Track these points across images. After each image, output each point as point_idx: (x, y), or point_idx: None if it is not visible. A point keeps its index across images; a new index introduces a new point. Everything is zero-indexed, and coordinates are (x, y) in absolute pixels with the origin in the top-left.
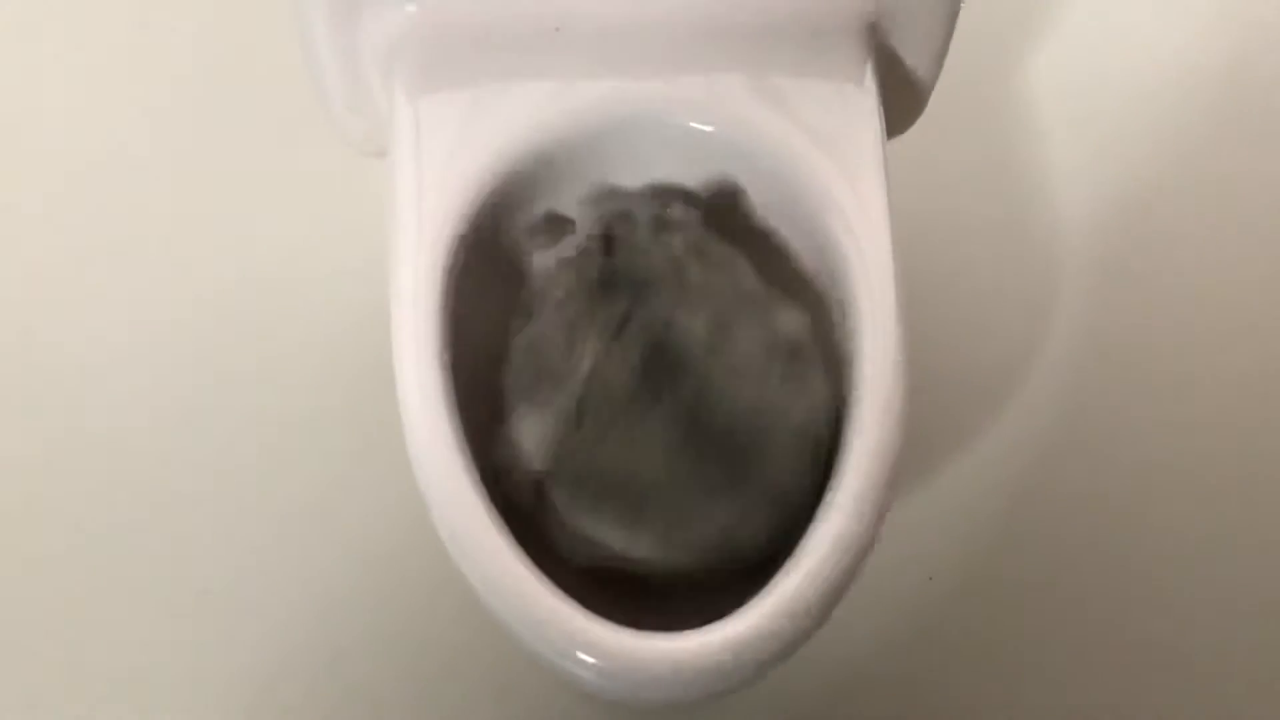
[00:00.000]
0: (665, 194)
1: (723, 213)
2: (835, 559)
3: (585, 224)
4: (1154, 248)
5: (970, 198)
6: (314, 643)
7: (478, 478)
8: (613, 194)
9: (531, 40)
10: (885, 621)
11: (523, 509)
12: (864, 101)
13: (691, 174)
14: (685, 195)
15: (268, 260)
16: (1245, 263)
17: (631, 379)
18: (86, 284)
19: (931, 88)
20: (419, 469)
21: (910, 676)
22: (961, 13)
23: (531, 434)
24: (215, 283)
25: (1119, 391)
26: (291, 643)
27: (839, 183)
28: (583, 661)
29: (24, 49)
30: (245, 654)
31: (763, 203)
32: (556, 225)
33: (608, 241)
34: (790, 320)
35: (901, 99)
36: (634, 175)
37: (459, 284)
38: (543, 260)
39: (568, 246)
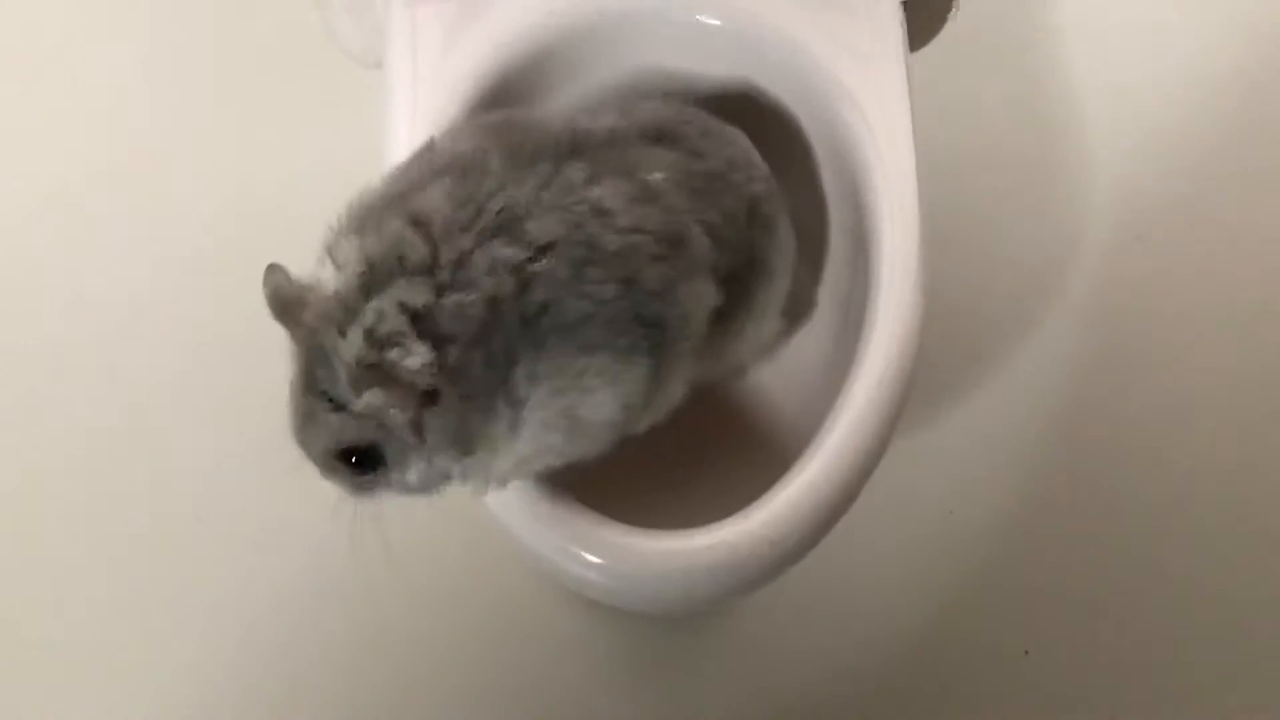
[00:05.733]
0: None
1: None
2: (840, 465)
3: None
4: (1180, 185)
5: (993, 130)
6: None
7: None
8: None
9: None
10: (905, 555)
11: None
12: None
13: (697, 70)
14: None
15: (266, 185)
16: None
17: None
18: (85, 211)
19: None
20: None
21: (929, 610)
22: None
23: None
24: (212, 208)
25: (1145, 328)
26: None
27: (853, 74)
28: (590, 563)
29: None
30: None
31: (774, 97)
32: None
33: None
34: None
35: (926, 5)
36: (636, 72)
37: None
38: None
39: None
